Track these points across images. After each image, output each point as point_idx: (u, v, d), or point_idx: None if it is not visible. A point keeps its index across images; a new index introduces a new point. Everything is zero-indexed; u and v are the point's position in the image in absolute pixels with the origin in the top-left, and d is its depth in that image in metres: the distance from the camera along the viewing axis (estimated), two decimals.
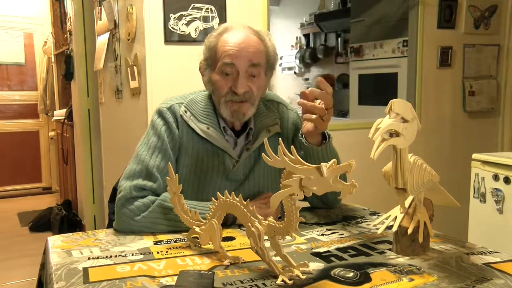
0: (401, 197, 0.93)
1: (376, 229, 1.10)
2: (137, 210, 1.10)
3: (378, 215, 1.24)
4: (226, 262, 0.89)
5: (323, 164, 0.73)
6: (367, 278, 0.81)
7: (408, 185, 0.89)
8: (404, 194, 0.91)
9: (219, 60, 1.19)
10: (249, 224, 0.83)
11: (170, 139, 1.22)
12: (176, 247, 0.99)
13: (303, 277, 0.81)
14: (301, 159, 0.76)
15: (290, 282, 0.79)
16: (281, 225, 0.81)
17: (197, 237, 0.97)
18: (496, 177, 2.01)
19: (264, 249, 0.82)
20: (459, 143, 2.89)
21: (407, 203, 0.94)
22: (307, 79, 5.10)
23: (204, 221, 0.95)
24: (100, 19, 2.87)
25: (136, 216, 1.10)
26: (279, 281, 0.79)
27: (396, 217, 0.95)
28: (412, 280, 0.80)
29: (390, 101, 0.83)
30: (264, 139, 1.27)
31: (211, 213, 0.92)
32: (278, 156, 0.75)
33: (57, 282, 0.80)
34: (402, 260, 0.90)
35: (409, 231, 0.90)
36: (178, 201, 0.99)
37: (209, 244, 0.95)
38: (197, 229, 0.96)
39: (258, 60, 1.19)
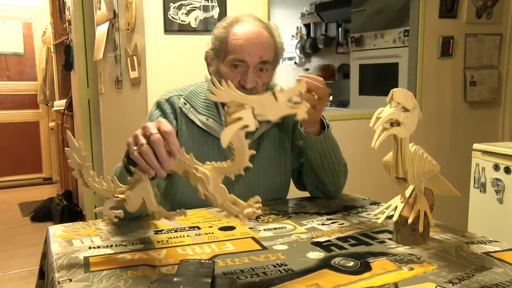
0: (401, 186, 0.93)
1: (377, 218, 1.10)
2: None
3: (378, 205, 1.24)
4: (174, 218, 0.85)
5: (275, 89, 0.72)
6: (367, 267, 0.81)
7: (409, 175, 0.89)
8: (404, 183, 0.91)
9: (229, 53, 1.19)
10: (194, 171, 0.79)
11: None
12: (177, 237, 0.99)
13: (259, 211, 0.79)
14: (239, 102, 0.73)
15: (252, 217, 0.78)
16: (229, 164, 0.78)
17: (116, 208, 0.86)
18: (496, 167, 2.02)
19: (214, 192, 0.79)
20: (460, 133, 2.89)
21: (407, 192, 0.94)
22: (307, 69, 5.08)
23: (125, 186, 0.85)
24: (99, 9, 2.85)
25: None
26: (243, 221, 0.78)
27: (396, 207, 0.95)
28: (412, 269, 0.80)
29: (391, 90, 0.83)
30: (264, 129, 1.28)
31: (137, 173, 0.83)
32: (224, 90, 0.72)
33: (58, 271, 0.81)
34: (402, 249, 0.90)
35: (410, 220, 0.90)
36: (87, 173, 0.84)
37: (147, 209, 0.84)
38: (120, 196, 0.84)
39: (268, 57, 1.19)
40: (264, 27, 1.22)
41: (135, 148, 0.81)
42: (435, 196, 0.98)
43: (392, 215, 0.95)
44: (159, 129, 0.80)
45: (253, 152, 0.78)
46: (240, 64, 1.18)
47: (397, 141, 0.87)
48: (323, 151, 1.21)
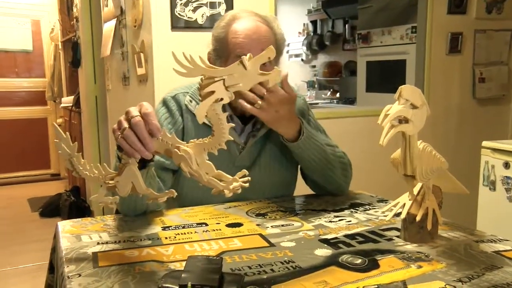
0: (409, 184, 0.92)
1: (384, 216, 1.09)
2: None
3: (386, 202, 1.23)
4: (163, 199, 0.83)
5: (243, 57, 0.71)
6: (375, 265, 0.81)
7: (417, 172, 0.88)
8: (412, 181, 0.91)
9: (231, 52, 1.19)
10: (176, 150, 0.79)
11: (172, 125, 1.24)
12: (184, 233, 0.99)
13: (246, 185, 0.80)
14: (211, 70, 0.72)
15: (238, 191, 0.79)
16: (210, 139, 0.78)
17: (110, 195, 0.86)
18: (506, 165, 2.00)
19: (199, 170, 0.79)
20: (468, 130, 2.86)
21: (415, 190, 0.94)
22: (314, 66, 5.07)
23: (114, 172, 0.85)
24: (107, 6, 2.86)
25: None
26: (228, 195, 0.78)
27: (404, 204, 0.95)
28: (420, 267, 0.80)
29: (400, 87, 0.83)
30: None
31: (124, 158, 0.83)
32: (192, 65, 0.71)
33: (67, 266, 0.81)
34: (410, 247, 0.90)
35: (418, 218, 0.90)
36: (78, 162, 0.85)
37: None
38: (111, 182, 0.84)
39: None
40: (262, 21, 1.22)
41: (119, 133, 0.82)
42: (443, 193, 0.97)
43: (400, 213, 0.94)
44: (140, 112, 0.81)
45: (232, 125, 0.78)
46: None
47: (405, 138, 0.86)
48: (303, 156, 1.21)
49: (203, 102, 0.73)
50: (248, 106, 1.11)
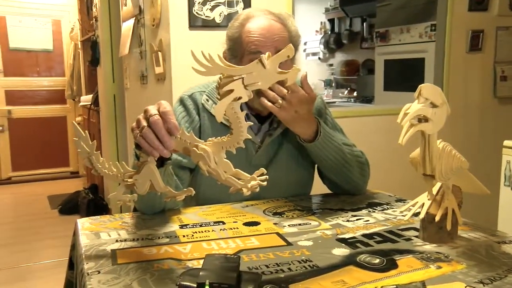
0: (428, 183, 0.91)
1: (403, 216, 1.08)
2: None
3: (404, 202, 1.22)
4: (181, 197, 0.83)
5: (262, 55, 0.71)
6: (393, 265, 0.80)
7: (437, 172, 0.87)
8: (432, 180, 0.89)
9: (245, 51, 1.19)
10: (194, 148, 0.80)
11: (189, 124, 1.25)
12: (202, 231, 1.00)
13: (264, 183, 0.80)
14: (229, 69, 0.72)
15: (256, 190, 0.79)
16: (228, 138, 0.78)
17: (128, 193, 0.87)
18: None
19: (217, 168, 0.79)
20: (489, 129, 2.81)
21: (434, 190, 0.92)
22: (331, 65, 5.03)
23: (133, 170, 0.86)
24: (125, 5, 2.89)
25: None
26: (246, 193, 0.79)
27: (423, 204, 0.94)
28: (439, 267, 0.79)
29: (419, 85, 0.82)
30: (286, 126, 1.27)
31: (142, 156, 0.84)
32: (210, 64, 0.71)
33: (87, 263, 0.82)
34: (429, 247, 0.89)
35: (437, 218, 0.88)
36: (97, 160, 0.86)
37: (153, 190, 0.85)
38: (129, 180, 0.85)
39: (283, 47, 1.18)
40: (276, 19, 1.22)
41: (138, 131, 0.82)
42: (463, 193, 0.96)
43: (419, 213, 0.93)
44: (158, 111, 0.82)
45: (250, 123, 0.79)
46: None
47: (424, 137, 0.85)
48: (320, 156, 1.21)
49: (222, 100, 0.73)
50: (269, 104, 1.11)
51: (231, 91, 0.73)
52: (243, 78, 0.72)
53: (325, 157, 1.20)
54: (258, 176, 0.81)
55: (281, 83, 1.05)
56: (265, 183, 0.80)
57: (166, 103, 0.83)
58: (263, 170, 0.82)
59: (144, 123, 0.82)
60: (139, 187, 0.84)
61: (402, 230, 0.99)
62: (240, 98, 0.73)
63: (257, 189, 0.80)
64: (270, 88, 1.08)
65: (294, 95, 1.10)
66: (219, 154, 0.79)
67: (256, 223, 1.05)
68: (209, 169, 0.79)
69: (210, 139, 0.81)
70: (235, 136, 0.78)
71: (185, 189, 0.84)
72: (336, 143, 1.20)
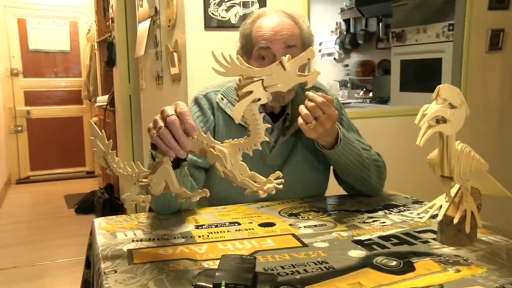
0: (446, 185, 0.90)
1: (420, 217, 1.07)
2: None
3: (421, 204, 1.21)
4: (196, 198, 0.84)
5: (283, 57, 0.71)
6: (410, 267, 0.79)
7: (455, 173, 0.86)
8: (450, 182, 0.88)
9: (255, 46, 1.20)
10: (211, 149, 0.80)
11: (203, 124, 1.25)
12: (217, 232, 1.00)
13: (280, 186, 0.80)
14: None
15: (272, 192, 0.79)
16: (245, 139, 0.78)
17: (143, 193, 0.87)
18: None
19: (233, 170, 0.79)
20: (509, 130, 2.76)
21: (453, 191, 0.91)
22: (346, 65, 5.01)
23: (148, 170, 0.86)
24: (141, 6, 2.91)
25: None
26: (262, 195, 0.79)
27: (441, 206, 0.92)
28: (458, 271, 0.78)
29: (438, 86, 0.81)
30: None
31: (158, 157, 0.84)
32: (230, 65, 0.71)
33: (103, 262, 0.83)
34: (447, 250, 0.88)
35: (455, 220, 0.87)
36: (112, 160, 0.86)
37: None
38: (144, 180, 0.85)
39: (293, 42, 1.19)
40: (288, 16, 1.22)
41: (154, 131, 0.82)
42: (482, 196, 0.94)
43: (436, 215, 0.92)
44: (175, 111, 0.82)
45: (268, 125, 0.79)
46: (266, 55, 1.18)
47: (443, 138, 0.84)
48: (339, 162, 1.20)
49: (241, 101, 0.74)
50: (300, 121, 1.08)
51: (250, 92, 0.73)
52: (263, 79, 0.72)
53: (344, 163, 1.20)
54: (274, 179, 0.80)
55: (319, 105, 1.04)
56: (281, 186, 0.81)
57: (183, 104, 0.83)
58: (279, 173, 0.82)
59: (161, 123, 0.82)
60: (154, 188, 0.84)
61: (419, 232, 0.98)
62: (259, 99, 0.73)
63: (273, 192, 0.80)
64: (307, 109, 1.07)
65: (327, 117, 1.07)
66: (236, 156, 0.79)
67: (271, 224, 1.05)
68: (225, 170, 0.79)
69: (226, 140, 0.81)
70: (253, 138, 0.78)
71: (200, 190, 0.84)
72: (355, 149, 1.19)
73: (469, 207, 0.89)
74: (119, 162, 0.87)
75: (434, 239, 0.94)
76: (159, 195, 0.85)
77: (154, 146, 0.88)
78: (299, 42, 1.21)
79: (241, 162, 0.80)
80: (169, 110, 0.83)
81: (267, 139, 0.80)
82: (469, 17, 2.59)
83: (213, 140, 0.81)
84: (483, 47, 2.65)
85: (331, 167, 1.35)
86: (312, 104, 1.05)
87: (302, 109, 1.07)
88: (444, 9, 2.90)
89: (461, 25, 2.63)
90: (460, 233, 0.89)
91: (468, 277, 0.75)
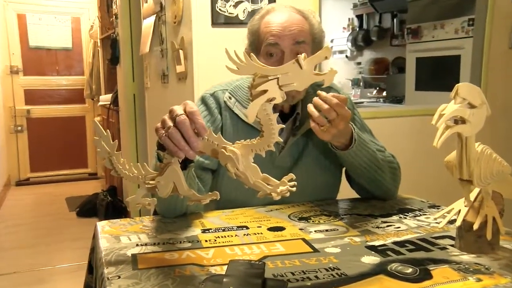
0: (465, 189, 0.89)
1: (437, 223, 1.06)
2: None
3: (438, 208, 1.20)
4: (206, 201, 0.84)
5: (299, 56, 0.71)
6: (427, 275, 0.79)
7: (475, 176, 0.85)
8: (469, 186, 0.87)
9: (263, 42, 1.20)
10: (223, 150, 0.80)
11: (211, 123, 1.25)
12: (225, 236, 1.00)
13: (293, 189, 0.80)
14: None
15: (287, 195, 0.79)
16: (259, 140, 0.79)
17: (149, 196, 0.88)
18: None
19: (245, 171, 0.79)
20: None
21: (472, 195, 0.90)
22: (359, 63, 4.99)
23: (155, 172, 0.86)
24: (146, 2, 2.92)
25: None
26: (276, 198, 0.79)
27: (459, 210, 0.92)
28: (479, 280, 0.77)
29: (456, 85, 0.80)
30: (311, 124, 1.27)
31: (166, 158, 0.84)
32: (245, 63, 0.72)
33: (107, 267, 0.83)
34: (467, 257, 0.87)
35: (475, 226, 0.86)
36: (117, 161, 0.87)
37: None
38: (151, 182, 0.85)
39: (302, 38, 1.19)
40: (297, 11, 1.22)
41: (163, 132, 0.82)
42: (505, 200, 0.93)
43: (454, 220, 0.91)
44: (185, 110, 0.82)
45: (282, 126, 0.79)
46: (275, 52, 1.19)
47: (461, 139, 0.84)
48: (353, 163, 1.19)
49: (255, 101, 0.74)
50: (313, 124, 1.08)
51: (265, 91, 0.73)
52: (278, 78, 0.72)
53: (358, 165, 1.19)
54: (288, 181, 0.81)
55: (332, 106, 1.04)
56: (294, 188, 0.81)
57: (192, 103, 0.83)
58: (292, 175, 0.82)
59: (170, 123, 0.82)
60: (161, 190, 0.84)
61: (437, 238, 0.98)
62: (273, 99, 0.74)
63: (288, 194, 0.80)
64: (314, 105, 1.07)
65: (341, 118, 1.06)
66: (248, 157, 0.80)
67: (281, 228, 1.05)
68: (237, 172, 0.79)
69: (238, 141, 0.81)
70: (266, 139, 0.78)
71: (210, 193, 0.84)
72: (370, 150, 1.19)
73: (490, 212, 0.88)
74: (124, 163, 0.87)
75: (452, 245, 0.93)
76: (166, 197, 0.85)
77: (161, 147, 0.88)
78: (309, 38, 1.21)
79: (253, 164, 0.80)
80: (178, 109, 0.83)
81: (281, 140, 0.80)
82: (492, 11, 2.55)
83: (225, 140, 0.81)
84: (506, 43, 2.62)
85: (343, 169, 1.35)
86: (326, 106, 1.05)
87: (313, 110, 1.07)
88: (464, 3, 2.88)
89: (483, 19, 2.59)
90: (481, 239, 0.88)
91: (491, 287, 0.75)
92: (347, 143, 1.15)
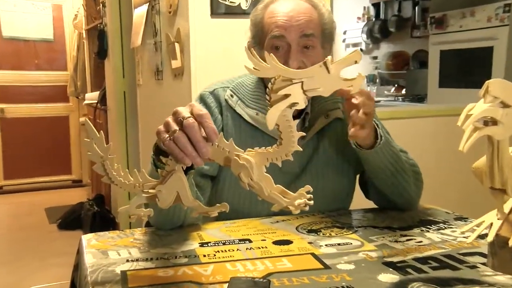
0: (498, 199, 0.88)
1: (465, 237, 1.06)
2: None
3: (465, 221, 1.20)
4: (214, 213, 0.85)
5: (327, 58, 0.72)
6: None
7: (509, 185, 0.84)
8: (502, 196, 0.87)
9: (267, 35, 1.21)
10: (235, 157, 0.80)
11: None
12: (225, 250, 1.00)
13: (311, 202, 0.81)
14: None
15: (305, 208, 0.80)
16: (276, 148, 0.79)
17: (146, 205, 0.88)
18: None
19: (260, 182, 0.79)
20: None
21: (506, 207, 0.90)
22: (375, 58, 5.00)
23: (155, 180, 0.86)
24: None
25: None
26: (295, 212, 0.80)
27: (491, 224, 0.91)
28: None
29: (486, 81, 0.80)
30: (323, 124, 1.27)
31: (169, 164, 0.84)
32: (268, 63, 0.72)
33: (93, 287, 0.84)
34: (502, 278, 0.86)
35: (511, 242, 0.86)
36: (111, 165, 0.86)
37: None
38: (151, 191, 0.84)
39: (311, 30, 1.19)
40: (305, 0, 1.23)
41: (167, 136, 0.82)
42: None
43: (486, 234, 0.91)
44: (192, 113, 0.82)
45: (303, 134, 0.80)
46: (280, 45, 1.19)
47: (492, 143, 0.83)
48: (377, 164, 1.19)
49: (275, 106, 0.75)
50: (356, 129, 1.09)
51: (287, 96, 0.74)
52: (302, 82, 0.73)
53: (383, 166, 1.19)
54: (305, 193, 0.82)
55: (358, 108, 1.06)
56: (312, 202, 0.81)
57: (199, 105, 0.84)
58: (309, 187, 0.83)
59: (176, 126, 0.82)
60: (163, 200, 0.84)
61: (465, 255, 0.97)
62: (295, 104, 0.74)
63: (307, 208, 0.81)
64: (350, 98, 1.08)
65: (369, 119, 1.09)
66: (261, 167, 0.80)
67: (288, 242, 1.05)
68: (250, 182, 0.80)
69: (251, 149, 0.82)
70: (285, 147, 0.79)
71: (218, 205, 0.85)
72: (394, 149, 1.19)
73: None
74: (118, 169, 0.87)
75: (484, 264, 0.92)
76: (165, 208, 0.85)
77: (159, 153, 0.88)
78: (318, 30, 1.21)
79: (266, 174, 0.81)
80: (185, 111, 0.83)
81: (301, 149, 0.80)
82: None
83: (236, 147, 0.82)
84: None
85: (357, 176, 1.34)
86: (361, 99, 1.06)
87: (354, 113, 1.07)
88: None
89: None
90: None
91: None
92: (371, 143, 1.16)
